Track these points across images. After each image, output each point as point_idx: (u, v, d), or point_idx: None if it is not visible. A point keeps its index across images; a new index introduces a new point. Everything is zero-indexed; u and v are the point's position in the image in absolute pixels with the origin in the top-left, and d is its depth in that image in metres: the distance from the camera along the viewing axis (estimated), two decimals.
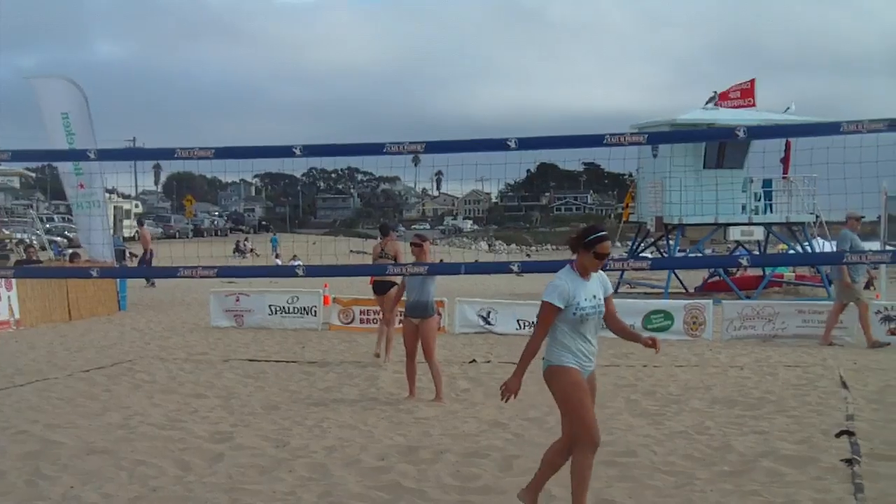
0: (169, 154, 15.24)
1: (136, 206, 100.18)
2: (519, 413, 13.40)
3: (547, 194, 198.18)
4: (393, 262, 18.03)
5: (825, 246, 37.85)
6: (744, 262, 17.52)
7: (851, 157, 14.80)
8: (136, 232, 54.57)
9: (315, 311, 25.27)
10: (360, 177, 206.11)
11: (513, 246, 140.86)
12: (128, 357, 19.32)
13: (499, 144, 14.11)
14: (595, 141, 14.25)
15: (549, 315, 7.99)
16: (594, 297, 8.11)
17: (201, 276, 14.82)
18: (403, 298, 15.20)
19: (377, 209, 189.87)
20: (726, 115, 36.39)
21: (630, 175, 41.61)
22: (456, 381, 16.36)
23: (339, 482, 9.67)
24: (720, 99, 39.24)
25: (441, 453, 10.86)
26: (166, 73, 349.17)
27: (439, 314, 23.24)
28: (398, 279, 16.74)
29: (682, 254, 38.51)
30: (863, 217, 23.61)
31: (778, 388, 15.62)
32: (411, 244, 15.09)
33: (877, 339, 21.22)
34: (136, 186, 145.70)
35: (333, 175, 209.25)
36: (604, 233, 8.13)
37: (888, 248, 27.66)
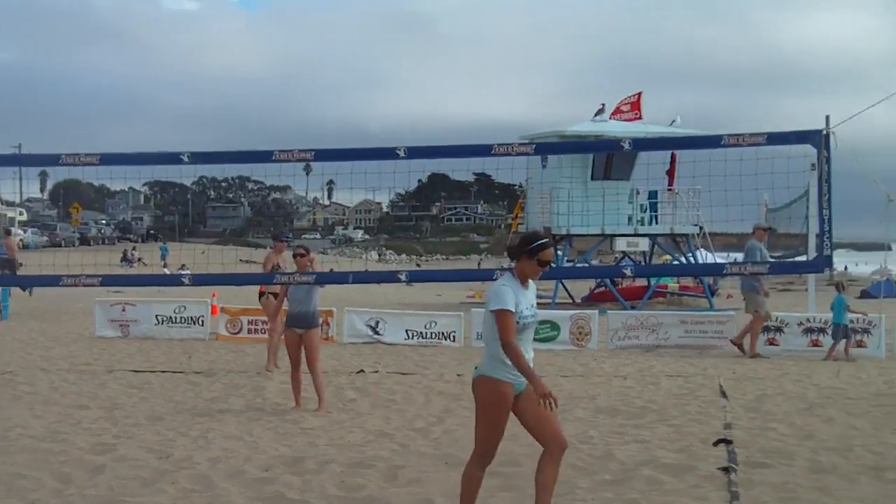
0: (54, 160, 15.09)
1: (21, 213, 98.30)
2: (405, 424, 13.46)
3: (437, 204, 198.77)
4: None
5: (708, 257, 38.59)
6: (628, 272, 17.84)
7: (732, 169, 15.14)
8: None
9: (202, 321, 25.07)
10: (250, 185, 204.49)
11: (403, 256, 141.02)
12: (9, 368, 18.95)
13: (388, 153, 14.20)
14: (484, 151, 14.43)
15: (510, 321, 7.87)
16: (532, 305, 8.15)
17: (85, 285, 14.65)
18: (286, 308, 15.14)
19: (268, 218, 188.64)
20: (614, 128, 36.88)
21: (520, 185, 41.92)
22: (343, 391, 16.35)
23: (222, 494, 9.62)
24: (611, 112, 39.76)
25: (326, 464, 10.85)
26: (53, 78, 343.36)
27: (328, 324, 23.28)
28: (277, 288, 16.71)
29: (570, 264, 38.92)
30: (770, 228, 24.09)
31: (660, 397, 15.88)
32: (294, 255, 15.07)
33: (758, 351, 21.67)
34: (21, 193, 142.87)
35: (224, 184, 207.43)
36: (546, 240, 8.20)
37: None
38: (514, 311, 7.89)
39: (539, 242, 8.10)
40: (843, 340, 21.28)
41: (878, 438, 12.43)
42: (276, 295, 18.76)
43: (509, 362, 7.95)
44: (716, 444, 11.94)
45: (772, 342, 22.25)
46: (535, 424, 8.29)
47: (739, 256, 43.07)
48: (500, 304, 7.90)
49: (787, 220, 30.22)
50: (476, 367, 8.25)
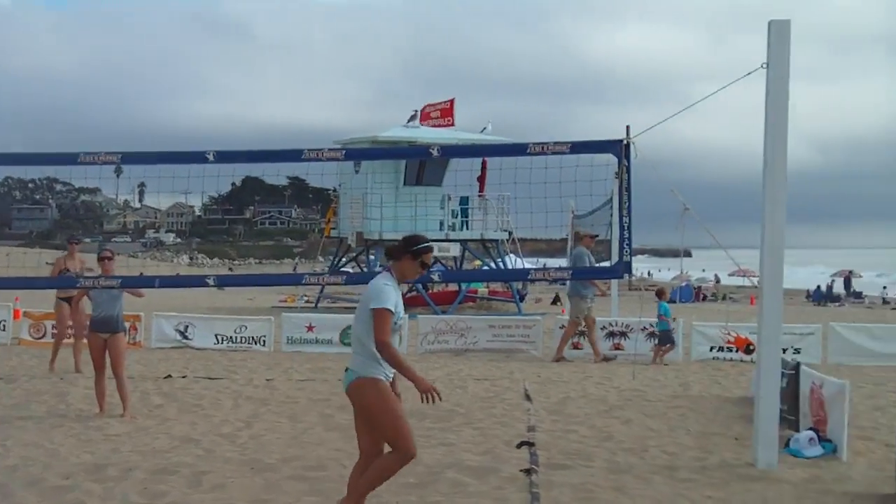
0: None
1: None
2: (212, 429, 13.36)
3: (251, 208, 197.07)
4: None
5: (517, 262, 39.23)
6: (435, 277, 18.01)
7: (538, 177, 15.45)
8: None
9: (4, 326, 24.40)
10: (58, 187, 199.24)
11: (216, 259, 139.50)
12: None
13: (197, 157, 14.05)
14: (294, 156, 14.39)
15: (389, 321, 7.91)
16: (402, 306, 8.21)
17: None
18: (89, 312, 14.86)
19: (76, 220, 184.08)
20: (426, 134, 37.22)
21: (334, 190, 42.05)
22: (149, 396, 16.12)
23: (19, 502, 9.42)
24: (422, 118, 40.06)
25: (129, 471, 10.69)
26: None
27: (135, 329, 22.93)
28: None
29: (383, 269, 39.02)
30: (597, 236, 24.57)
31: (467, 400, 16.10)
32: (99, 258, 14.78)
33: (605, 354, 22.16)
34: None
35: (31, 185, 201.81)
36: (430, 243, 8.30)
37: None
38: (394, 311, 7.96)
39: (425, 245, 8.24)
40: (662, 345, 21.98)
41: (672, 439, 12.92)
42: (67, 300, 18.48)
43: (375, 355, 8.00)
44: (519, 446, 12.20)
45: (576, 346, 22.73)
46: (370, 429, 8.33)
47: (549, 262, 43.94)
48: (382, 304, 7.93)
49: (592, 227, 30.90)
50: (347, 371, 8.21)
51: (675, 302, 37.45)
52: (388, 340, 7.91)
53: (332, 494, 9.84)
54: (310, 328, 23.89)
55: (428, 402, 7.98)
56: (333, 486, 10.13)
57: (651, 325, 22.73)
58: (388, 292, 8.00)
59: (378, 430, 8.26)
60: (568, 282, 23.32)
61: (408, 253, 8.20)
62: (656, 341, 22.32)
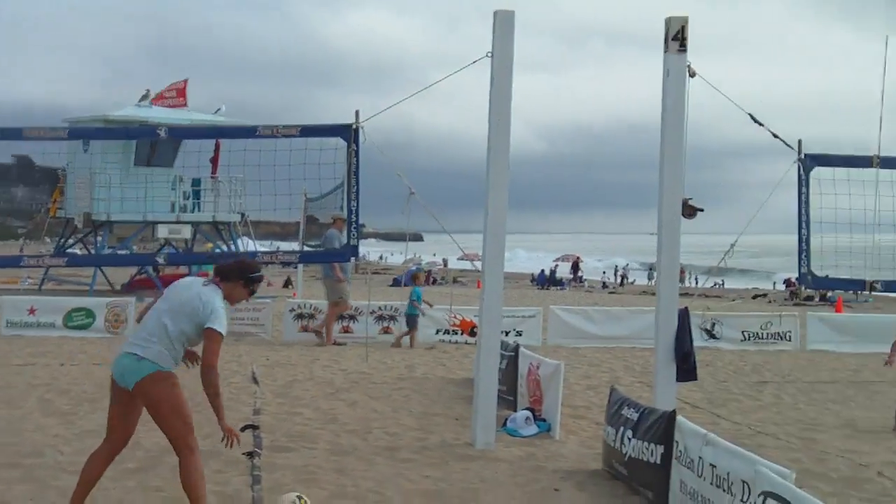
0: None
1: None
2: None
3: None
4: None
5: (250, 245, 38.99)
6: (161, 260, 17.77)
7: (269, 159, 15.48)
8: None
9: None
10: None
11: None
12: None
13: None
14: (14, 134, 13.97)
15: (220, 346, 7.94)
16: None
17: None
18: None
19: None
20: (158, 114, 36.51)
21: (62, 169, 40.66)
22: None
23: None
24: (156, 98, 39.30)
25: None
26: None
27: None
28: None
29: (111, 250, 38.19)
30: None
31: (192, 384, 15.86)
32: None
33: (336, 339, 22.09)
34: None
35: None
36: (262, 273, 8.49)
37: (306, 248, 28.94)
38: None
39: (259, 274, 8.35)
40: (410, 329, 22.24)
41: (395, 420, 13.17)
42: None
43: (179, 359, 8.11)
44: (243, 429, 12.13)
45: (305, 329, 22.71)
46: (129, 420, 8.34)
47: (283, 245, 43.78)
48: (222, 328, 7.93)
49: (322, 210, 31.01)
50: (142, 360, 8.00)
51: (402, 285, 37.96)
52: (217, 365, 7.94)
53: (47, 481, 9.65)
54: (32, 311, 23.12)
55: (228, 445, 8.11)
56: (49, 473, 9.93)
57: (380, 308, 23.04)
58: (225, 316, 8.02)
59: (165, 424, 8.21)
60: (321, 265, 23.34)
61: (241, 279, 8.22)
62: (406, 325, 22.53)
